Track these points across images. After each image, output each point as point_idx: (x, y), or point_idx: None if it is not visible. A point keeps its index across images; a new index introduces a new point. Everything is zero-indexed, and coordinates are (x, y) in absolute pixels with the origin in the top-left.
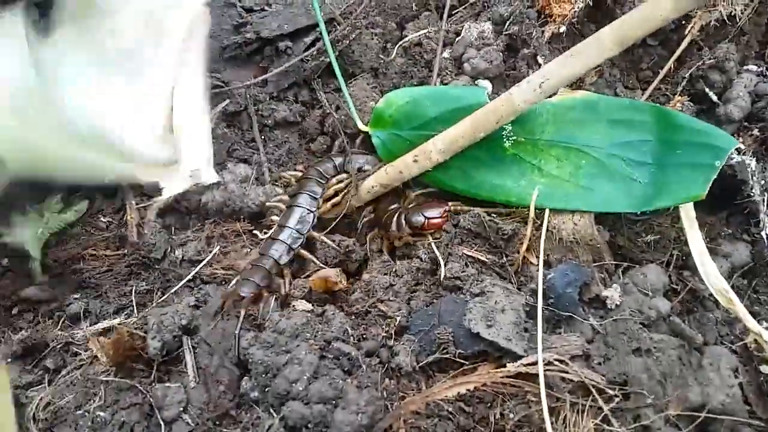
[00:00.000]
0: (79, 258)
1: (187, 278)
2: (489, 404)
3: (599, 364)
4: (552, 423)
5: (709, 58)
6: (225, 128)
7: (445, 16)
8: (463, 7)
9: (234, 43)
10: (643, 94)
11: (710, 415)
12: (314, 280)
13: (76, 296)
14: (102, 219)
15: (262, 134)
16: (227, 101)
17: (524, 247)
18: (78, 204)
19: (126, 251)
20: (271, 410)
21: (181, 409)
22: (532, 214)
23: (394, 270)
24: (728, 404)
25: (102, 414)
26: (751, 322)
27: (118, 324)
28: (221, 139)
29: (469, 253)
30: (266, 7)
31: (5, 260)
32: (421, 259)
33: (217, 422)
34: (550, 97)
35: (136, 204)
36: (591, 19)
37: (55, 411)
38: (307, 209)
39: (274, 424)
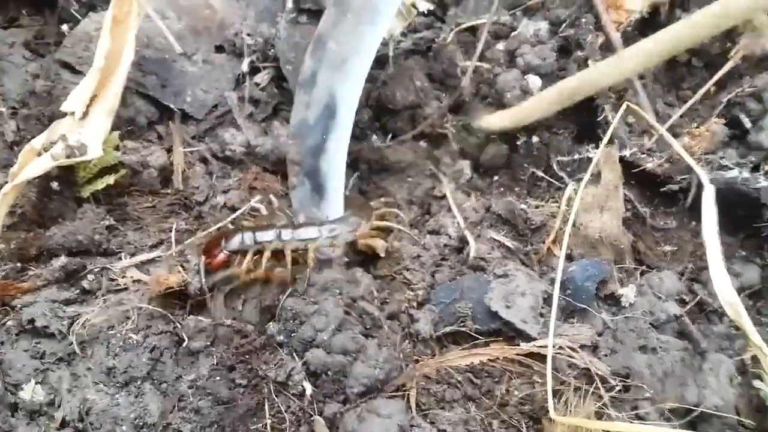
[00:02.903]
0: (125, 192)
1: (225, 222)
2: (497, 379)
3: (605, 355)
4: (554, 403)
5: (749, 86)
6: (275, 88)
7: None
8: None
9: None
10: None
11: (706, 410)
12: (364, 242)
13: (118, 227)
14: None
15: None
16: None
17: (551, 238)
18: (132, 140)
19: (169, 191)
20: (294, 354)
21: (209, 342)
22: (562, 208)
23: (423, 243)
24: (721, 407)
25: (134, 336)
26: (754, 335)
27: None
28: (269, 97)
29: (497, 237)
30: None
31: (55, 183)
32: (449, 237)
33: (242, 359)
34: None
35: (183, 148)
36: (642, 31)
37: (89, 328)
38: None
39: (297, 366)
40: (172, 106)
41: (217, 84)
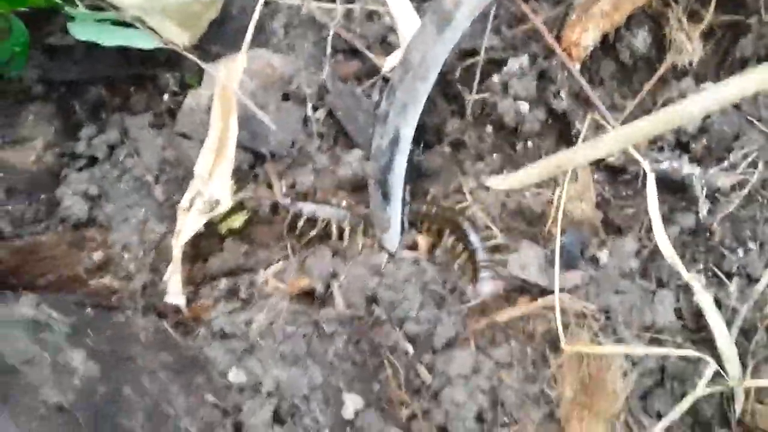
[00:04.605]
0: (249, 225)
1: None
2: (526, 322)
3: (592, 299)
4: (564, 334)
5: (676, 90)
6: (331, 121)
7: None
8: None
9: None
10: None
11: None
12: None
13: (251, 251)
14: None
15: None
16: None
17: (549, 221)
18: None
19: (278, 217)
20: (396, 327)
21: (338, 326)
22: (555, 202)
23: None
24: (669, 324)
25: (289, 328)
26: (683, 272)
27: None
28: (329, 130)
29: (514, 225)
30: None
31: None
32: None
33: (362, 334)
34: None
35: (278, 181)
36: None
37: (258, 327)
38: None
39: (399, 335)
40: (263, 150)
41: (290, 126)
